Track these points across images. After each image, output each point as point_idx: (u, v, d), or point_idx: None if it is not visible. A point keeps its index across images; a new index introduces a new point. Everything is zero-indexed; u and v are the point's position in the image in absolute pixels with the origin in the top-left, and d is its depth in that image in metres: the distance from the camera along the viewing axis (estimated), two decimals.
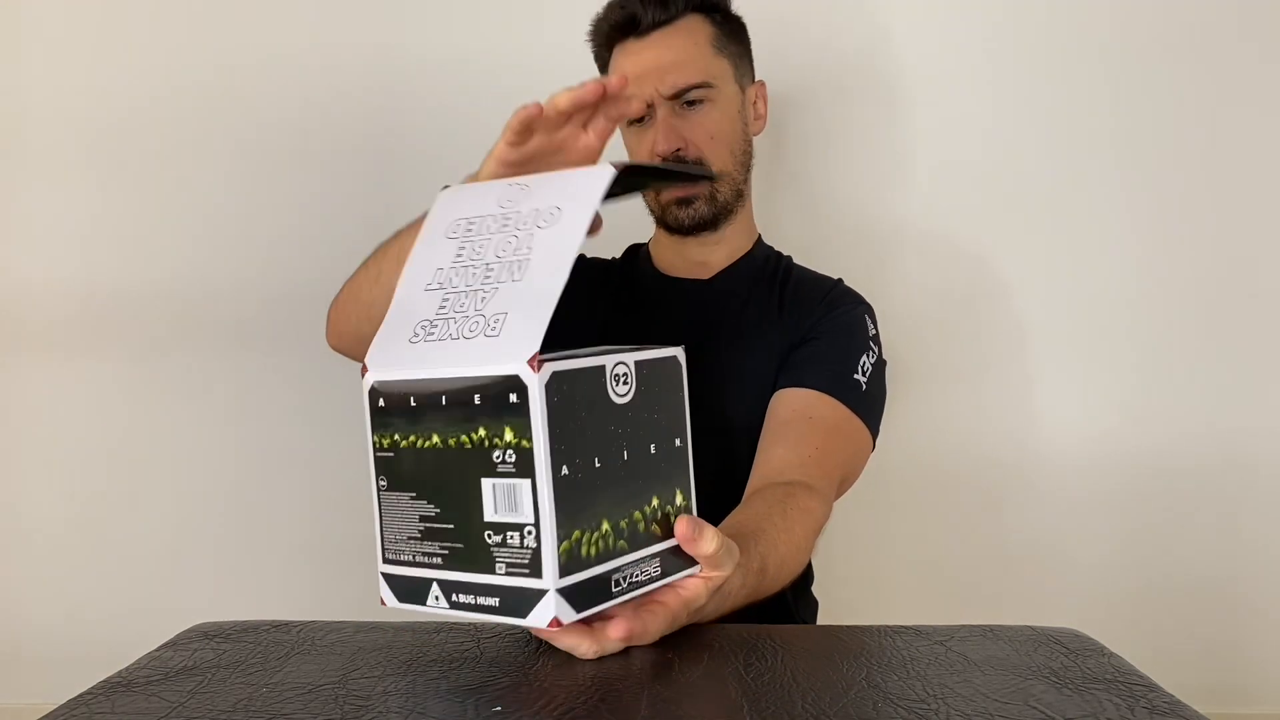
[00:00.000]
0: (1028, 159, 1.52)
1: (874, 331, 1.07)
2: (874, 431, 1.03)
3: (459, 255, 0.58)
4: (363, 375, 0.56)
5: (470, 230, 0.59)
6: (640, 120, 1.08)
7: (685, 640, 0.59)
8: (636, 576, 0.54)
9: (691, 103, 1.06)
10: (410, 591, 0.55)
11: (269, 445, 1.56)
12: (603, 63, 1.14)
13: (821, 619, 1.18)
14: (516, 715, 0.48)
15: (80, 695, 0.52)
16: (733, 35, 1.12)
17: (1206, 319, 1.52)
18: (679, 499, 0.57)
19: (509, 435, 0.49)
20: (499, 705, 0.49)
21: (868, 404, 1.02)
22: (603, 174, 0.55)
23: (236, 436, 1.56)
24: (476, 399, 0.50)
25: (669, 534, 0.56)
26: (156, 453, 1.57)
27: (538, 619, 0.49)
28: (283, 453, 1.55)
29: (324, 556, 1.53)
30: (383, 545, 0.56)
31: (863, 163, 1.54)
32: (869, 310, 1.10)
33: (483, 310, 0.53)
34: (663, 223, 1.14)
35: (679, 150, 1.05)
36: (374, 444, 0.56)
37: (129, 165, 1.56)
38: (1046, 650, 0.58)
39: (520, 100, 0.71)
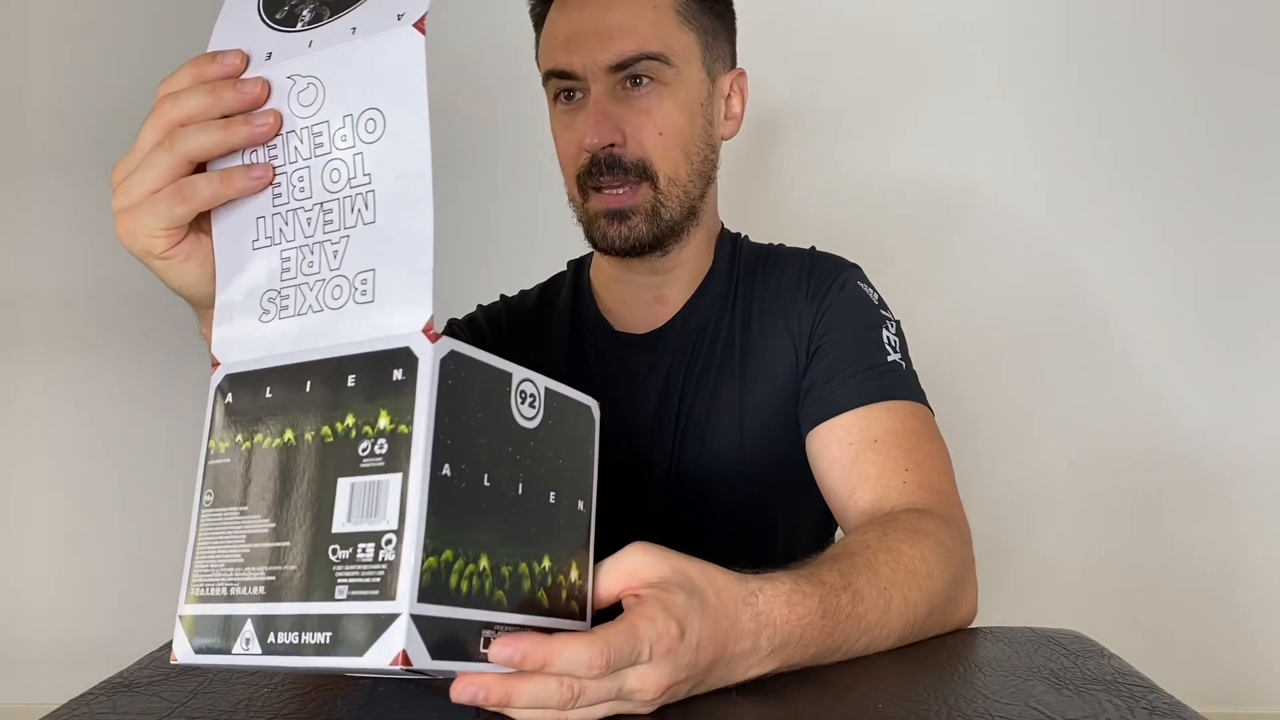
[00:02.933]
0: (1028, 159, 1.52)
1: (877, 296, 0.88)
2: (930, 408, 0.84)
3: (277, 195, 0.46)
4: (214, 369, 0.47)
5: (274, 153, 0.46)
6: (570, 95, 0.85)
7: None
8: None
9: (638, 81, 0.82)
10: (214, 638, 0.42)
11: None
12: (538, 18, 0.89)
13: None
14: None
15: (82, 695, 0.52)
16: (708, 6, 0.87)
17: (1206, 319, 1.52)
18: (574, 573, 0.46)
19: (383, 421, 0.40)
20: None
21: (915, 382, 0.83)
22: (408, 39, 0.42)
23: None
24: (350, 380, 0.41)
25: (555, 611, 0.44)
26: (156, 452, 1.57)
27: (380, 654, 0.37)
28: None
29: None
30: (189, 581, 0.44)
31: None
32: (858, 272, 0.90)
33: (340, 269, 0.44)
34: (590, 237, 0.88)
35: (612, 147, 0.81)
36: (208, 451, 0.45)
37: None
38: (1047, 651, 0.58)
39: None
